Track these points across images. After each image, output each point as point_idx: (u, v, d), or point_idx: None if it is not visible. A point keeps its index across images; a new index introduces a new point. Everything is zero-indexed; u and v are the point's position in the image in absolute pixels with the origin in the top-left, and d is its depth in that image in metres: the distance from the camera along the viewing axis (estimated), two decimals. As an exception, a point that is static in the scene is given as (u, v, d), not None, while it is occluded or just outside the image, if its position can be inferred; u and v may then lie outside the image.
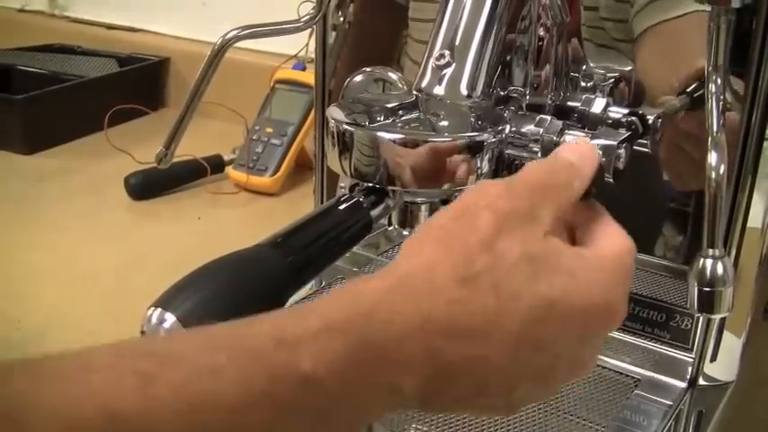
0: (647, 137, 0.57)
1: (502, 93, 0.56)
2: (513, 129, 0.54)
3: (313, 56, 0.81)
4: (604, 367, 0.66)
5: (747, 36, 0.56)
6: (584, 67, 0.62)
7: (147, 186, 1.11)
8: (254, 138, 1.16)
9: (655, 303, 0.65)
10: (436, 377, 0.36)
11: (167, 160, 0.65)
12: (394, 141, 0.48)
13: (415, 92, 0.53)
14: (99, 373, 0.32)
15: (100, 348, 0.34)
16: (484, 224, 0.37)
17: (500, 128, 0.50)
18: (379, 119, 0.51)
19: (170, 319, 0.38)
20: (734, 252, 0.60)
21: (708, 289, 0.50)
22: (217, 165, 1.18)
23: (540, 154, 0.54)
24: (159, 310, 0.39)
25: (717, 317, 0.60)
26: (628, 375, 0.66)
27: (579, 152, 0.43)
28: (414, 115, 0.52)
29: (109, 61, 1.51)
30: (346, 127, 0.49)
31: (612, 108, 0.58)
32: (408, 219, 0.54)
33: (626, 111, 0.57)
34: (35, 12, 1.74)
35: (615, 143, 0.51)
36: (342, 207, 0.48)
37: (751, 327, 0.63)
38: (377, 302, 0.35)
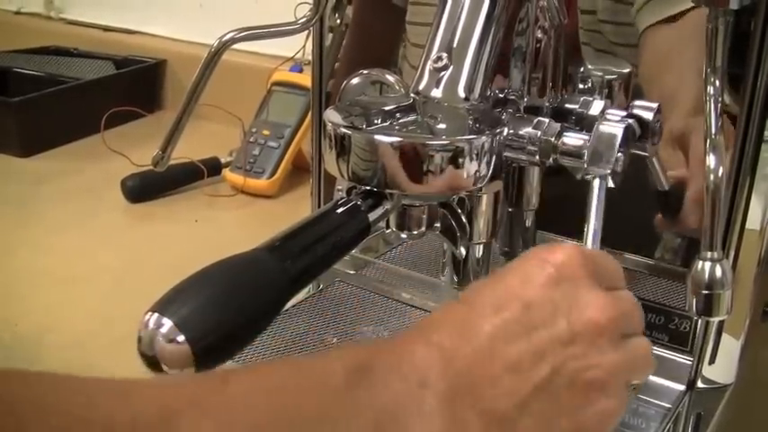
0: (645, 139, 0.57)
1: (499, 95, 0.56)
2: (511, 131, 0.53)
3: (310, 58, 0.81)
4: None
5: (745, 37, 0.56)
6: (581, 69, 0.62)
7: (143, 189, 1.11)
8: (251, 140, 1.16)
9: (653, 306, 0.65)
10: None
11: (164, 163, 0.65)
12: (391, 144, 0.48)
13: (412, 94, 0.53)
14: None
15: None
16: (559, 323, 0.40)
17: (498, 130, 0.50)
18: (376, 121, 0.51)
19: (167, 323, 0.38)
20: (732, 254, 0.60)
21: (706, 292, 0.50)
22: (214, 167, 1.18)
23: (537, 156, 0.54)
24: (156, 314, 0.38)
25: (715, 319, 0.60)
26: (626, 378, 0.65)
27: None
28: (411, 118, 0.52)
29: (105, 63, 1.51)
30: (343, 130, 0.49)
31: (610, 110, 0.58)
32: (406, 222, 0.54)
33: (624, 113, 0.56)
34: (31, 14, 1.74)
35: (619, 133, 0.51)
36: (339, 211, 0.48)
37: (749, 329, 0.63)
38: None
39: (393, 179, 0.48)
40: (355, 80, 0.62)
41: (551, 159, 0.54)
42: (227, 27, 0.64)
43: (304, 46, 1.13)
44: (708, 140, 0.50)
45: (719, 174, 0.49)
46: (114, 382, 0.34)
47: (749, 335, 0.63)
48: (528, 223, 0.65)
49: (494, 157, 0.50)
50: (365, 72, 0.63)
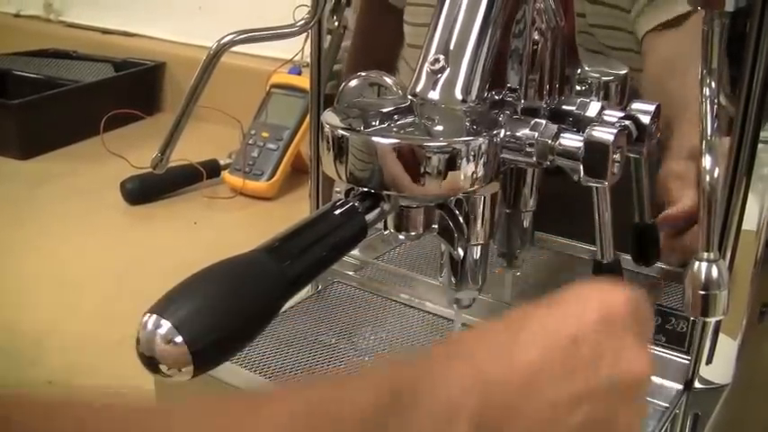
0: (641, 141, 0.57)
1: (497, 97, 0.56)
2: (508, 133, 0.54)
3: (309, 60, 0.81)
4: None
5: (741, 39, 0.56)
6: (578, 70, 0.62)
7: (143, 191, 1.11)
8: (250, 142, 1.16)
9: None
10: None
11: (163, 165, 0.65)
12: (389, 146, 0.48)
13: (410, 96, 0.53)
14: None
15: None
16: (593, 369, 0.39)
17: (495, 132, 0.50)
18: (374, 123, 0.51)
19: (165, 325, 0.38)
20: (729, 254, 0.60)
21: (703, 292, 0.50)
22: (213, 169, 1.18)
23: (534, 158, 0.54)
24: (155, 316, 0.38)
25: (712, 320, 0.61)
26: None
27: None
28: (409, 120, 0.52)
29: (104, 66, 1.51)
30: (341, 131, 0.49)
31: (607, 111, 0.58)
32: (404, 223, 0.54)
33: (621, 114, 0.57)
34: (30, 17, 1.74)
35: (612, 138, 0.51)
36: (337, 212, 0.48)
37: (747, 329, 0.63)
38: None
39: (390, 181, 0.48)
40: (353, 82, 0.62)
41: (548, 161, 0.54)
42: (226, 29, 0.64)
43: (303, 48, 1.14)
44: (704, 142, 0.50)
45: (716, 175, 0.50)
46: (137, 411, 0.35)
47: (746, 335, 0.63)
48: (525, 224, 0.65)
49: (491, 159, 0.50)
50: (363, 74, 0.63)
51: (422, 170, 0.48)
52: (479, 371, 0.38)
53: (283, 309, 0.69)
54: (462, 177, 0.49)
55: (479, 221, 0.57)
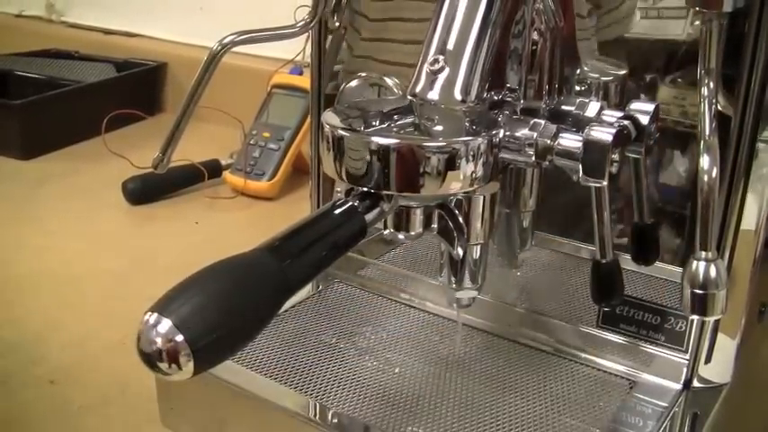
0: (640, 142, 0.57)
1: (496, 97, 0.56)
2: (508, 133, 0.54)
3: (310, 60, 0.81)
4: (599, 369, 0.67)
5: (739, 39, 0.56)
6: (578, 71, 0.63)
7: (144, 191, 1.11)
8: (252, 142, 1.16)
9: (649, 306, 0.66)
10: None
11: (164, 165, 0.66)
12: (388, 146, 0.48)
13: (409, 97, 0.54)
14: None
15: None
16: None
17: (494, 132, 0.51)
18: (374, 124, 0.51)
19: (166, 323, 0.38)
20: (728, 254, 0.60)
21: (701, 291, 0.50)
22: (214, 169, 1.18)
23: (534, 158, 0.54)
24: (156, 314, 0.39)
25: (710, 319, 0.61)
26: (622, 377, 0.66)
27: None
28: (408, 120, 0.52)
29: (106, 66, 1.51)
30: (341, 132, 0.50)
31: (606, 111, 0.58)
32: (403, 223, 0.54)
33: (620, 114, 0.57)
34: (32, 17, 1.75)
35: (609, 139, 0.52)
36: (337, 212, 0.49)
37: (745, 328, 0.63)
38: None
39: (390, 181, 0.48)
40: (353, 83, 0.63)
41: (547, 161, 0.54)
42: (227, 30, 0.64)
43: (304, 48, 1.14)
44: (702, 142, 0.51)
45: (713, 174, 0.50)
46: None
47: (745, 334, 0.64)
48: (525, 224, 0.65)
49: (490, 159, 0.51)
50: (363, 75, 0.63)
51: (421, 170, 0.48)
52: None
53: (284, 308, 0.70)
54: (462, 177, 0.49)
55: (479, 221, 0.57)
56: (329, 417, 0.61)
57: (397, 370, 0.66)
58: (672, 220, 0.65)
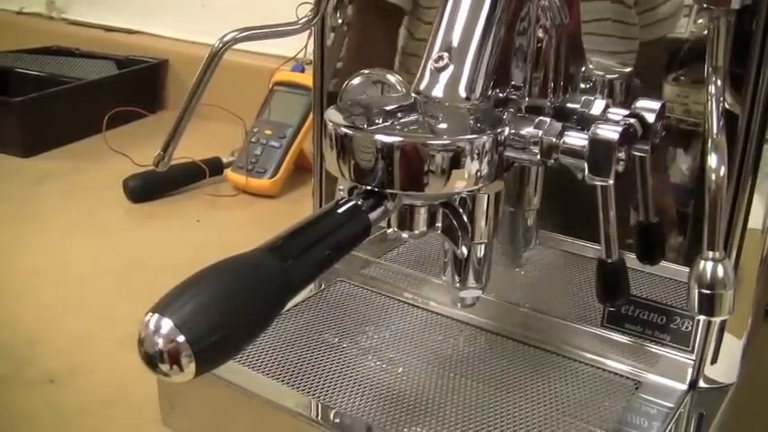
0: (646, 140, 0.57)
1: (501, 95, 0.56)
2: (513, 131, 0.53)
3: (312, 58, 0.80)
4: (604, 370, 0.66)
5: (746, 37, 0.56)
6: (583, 68, 0.62)
7: (145, 189, 1.11)
8: (253, 140, 1.16)
9: (655, 305, 0.65)
10: None
11: (165, 163, 0.65)
12: (392, 144, 0.47)
13: (413, 94, 0.53)
14: None
15: None
16: None
17: (499, 130, 0.50)
18: (377, 121, 0.51)
19: (167, 324, 0.38)
20: (734, 253, 0.60)
21: (708, 292, 0.50)
22: (215, 167, 1.18)
23: (539, 156, 0.54)
24: (157, 315, 0.38)
25: (717, 319, 0.60)
26: (628, 378, 0.65)
27: None
28: (412, 118, 0.52)
29: (107, 63, 1.51)
30: (344, 129, 0.49)
31: (612, 109, 0.57)
32: (407, 222, 0.54)
33: (626, 112, 0.56)
34: (33, 14, 1.74)
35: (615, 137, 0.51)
36: (340, 211, 0.48)
37: (752, 328, 0.63)
38: None
39: (394, 179, 0.48)
40: (356, 80, 0.62)
41: (553, 159, 0.54)
42: (229, 27, 0.64)
43: (306, 46, 1.14)
44: (709, 140, 0.50)
45: (721, 173, 0.49)
46: None
47: (751, 334, 0.63)
48: (530, 223, 0.65)
49: (495, 157, 0.50)
50: (366, 72, 0.63)
51: (426, 168, 0.48)
52: None
53: (286, 308, 0.70)
54: (466, 176, 0.49)
55: (483, 220, 0.57)
56: (331, 417, 0.61)
57: (399, 370, 0.66)
58: (677, 218, 0.65)
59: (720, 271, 0.50)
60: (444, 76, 0.52)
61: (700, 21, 0.59)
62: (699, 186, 0.62)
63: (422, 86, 0.53)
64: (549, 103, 0.59)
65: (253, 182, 1.12)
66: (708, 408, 0.63)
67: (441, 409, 0.61)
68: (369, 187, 0.49)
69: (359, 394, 0.63)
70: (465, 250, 0.57)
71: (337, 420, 0.60)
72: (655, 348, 0.65)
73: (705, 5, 0.51)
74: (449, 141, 0.48)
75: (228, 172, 1.16)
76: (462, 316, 0.73)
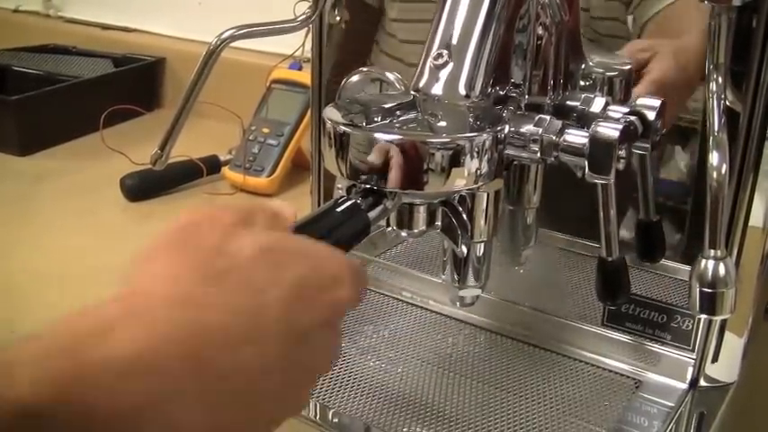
0: (646, 137, 0.57)
1: (500, 92, 0.55)
2: (512, 129, 0.53)
3: (309, 55, 0.80)
4: (605, 369, 0.66)
5: (748, 34, 0.55)
6: (583, 66, 0.62)
7: (142, 187, 1.10)
8: (251, 138, 1.15)
9: (655, 304, 0.65)
10: (208, 384, 0.34)
11: (163, 161, 0.65)
12: (391, 142, 0.47)
13: (412, 92, 0.53)
14: None
15: None
16: (209, 232, 0.38)
17: (499, 128, 0.50)
18: (376, 119, 0.50)
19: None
20: (735, 252, 0.60)
21: (709, 290, 0.50)
22: (213, 165, 1.17)
23: (539, 154, 0.53)
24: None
25: (718, 318, 0.60)
26: (629, 377, 0.65)
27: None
28: (411, 116, 0.51)
29: (104, 62, 1.50)
30: (343, 127, 0.49)
31: (612, 107, 0.57)
32: (406, 220, 0.54)
33: (626, 110, 0.56)
34: (30, 12, 1.74)
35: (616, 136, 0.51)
36: (339, 209, 0.48)
37: (752, 327, 0.63)
38: (117, 320, 0.34)
39: (393, 178, 0.48)
40: (355, 78, 0.62)
41: (553, 157, 0.53)
42: (226, 24, 0.63)
43: (303, 43, 1.13)
44: (711, 138, 0.50)
45: (723, 171, 0.49)
46: None
47: (752, 333, 0.63)
48: (529, 221, 0.65)
49: (495, 155, 0.50)
50: (365, 69, 0.63)
51: (425, 167, 0.47)
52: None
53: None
54: (466, 174, 0.48)
55: (483, 218, 0.56)
56: (330, 416, 0.61)
57: (399, 369, 0.66)
58: (675, 216, 0.65)
59: (722, 269, 0.50)
60: (444, 74, 0.51)
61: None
62: (697, 184, 0.62)
63: (421, 84, 0.52)
64: (548, 101, 0.59)
65: (250, 180, 1.12)
66: (708, 407, 0.63)
67: (440, 409, 0.61)
68: (368, 186, 0.49)
69: (358, 394, 0.62)
70: (464, 249, 0.57)
71: (336, 420, 0.60)
72: (655, 347, 0.65)
73: (706, 2, 0.51)
74: (448, 139, 0.48)
75: (226, 170, 1.16)
76: (462, 315, 0.72)
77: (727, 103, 0.55)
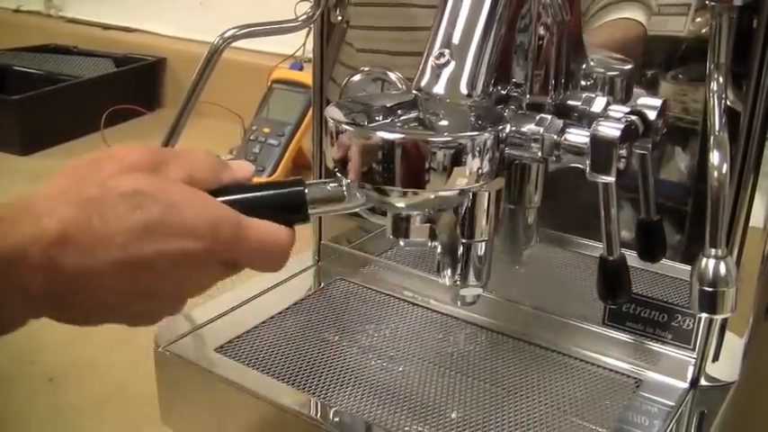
0: (647, 137, 0.57)
1: (502, 92, 0.56)
2: (514, 128, 0.53)
3: (310, 56, 0.80)
4: (605, 368, 0.66)
5: (749, 34, 0.55)
6: (584, 65, 0.62)
7: (143, 187, 1.11)
8: (252, 138, 1.15)
9: (656, 303, 0.65)
10: (58, 283, 0.42)
11: (164, 161, 0.65)
12: (393, 141, 0.47)
13: (414, 91, 0.53)
14: None
15: None
16: (106, 167, 0.44)
17: (500, 127, 0.50)
18: (377, 118, 0.50)
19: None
20: (736, 251, 0.60)
21: (710, 289, 0.50)
22: (214, 165, 1.17)
23: (540, 153, 0.53)
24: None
25: (719, 317, 0.60)
26: (629, 376, 0.65)
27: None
28: (413, 115, 0.51)
29: (105, 61, 1.51)
30: (345, 126, 0.49)
31: (613, 107, 0.57)
32: (402, 229, 0.54)
33: (627, 109, 0.56)
34: (31, 12, 1.74)
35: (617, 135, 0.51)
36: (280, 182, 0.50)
37: (753, 326, 0.63)
38: (7, 218, 0.44)
39: (395, 177, 0.48)
40: (356, 77, 0.62)
41: (554, 156, 0.53)
42: (228, 24, 0.63)
43: (304, 44, 1.13)
44: (711, 138, 0.50)
45: (723, 171, 0.49)
46: None
47: (753, 332, 0.63)
48: (530, 220, 0.65)
49: (496, 154, 0.50)
50: (366, 69, 0.63)
51: (427, 166, 0.47)
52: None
53: (285, 305, 0.69)
54: (468, 173, 0.48)
55: (484, 218, 0.56)
56: (331, 415, 0.60)
57: (400, 368, 0.66)
58: (675, 216, 0.65)
59: (723, 268, 0.50)
60: (445, 73, 0.51)
61: (698, 19, 0.59)
62: (698, 185, 0.62)
63: (423, 83, 0.52)
64: (549, 101, 0.59)
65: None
66: (709, 406, 0.63)
67: (441, 408, 0.61)
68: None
69: (359, 393, 0.62)
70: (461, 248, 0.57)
71: (337, 419, 0.60)
72: (656, 346, 0.65)
73: (707, 1, 0.51)
74: (450, 138, 0.48)
75: (227, 170, 1.16)
76: (463, 314, 0.72)
77: (728, 103, 0.55)
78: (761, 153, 0.57)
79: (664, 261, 0.64)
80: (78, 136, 1.32)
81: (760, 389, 0.71)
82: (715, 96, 0.51)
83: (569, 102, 0.59)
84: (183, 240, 0.44)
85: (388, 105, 0.52)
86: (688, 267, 0.51)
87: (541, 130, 0.53)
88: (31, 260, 0.41)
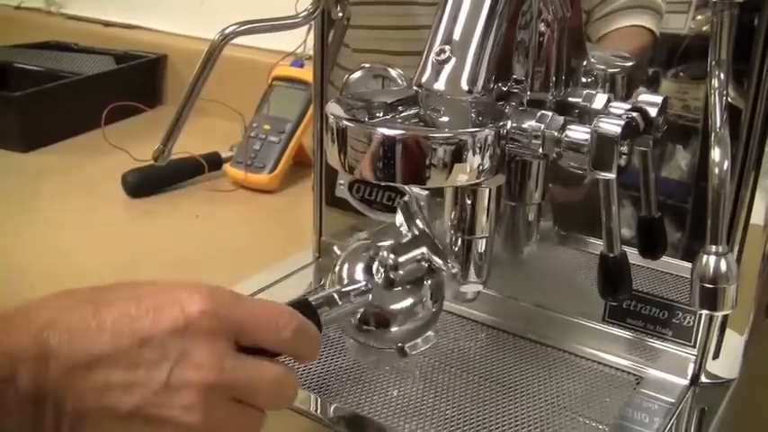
0: (648, 133, 0.57)
1: (503, 88, 0.55)
2: (514, 125, 0.53)
3: (311, 53, 0.80)
4: (606, 365, 0.66)
5: (750, 31, 0.55)
6: (584, 62, 0.62)
7: (144, 184, 1.11)
8: (252, 135, 1.15)
9: (656, 300, 0.65)
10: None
11: (164, 158, 0.65)
12: (393, 137, 0.47)
13: (415, 87, 0.53)
14: None
15: None
16: (160, 320, 0.42)
17: (501, 124, 0.50)
18: (378, 114, 0.50)
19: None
20: (736, 248, 0.60)
21: (711, 286, 0.50)
22: (214, 162, 1.17)
23: (541, 150, 0.53)
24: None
25: (720, 314, 0.60)
26: (629, 373, 0.65)
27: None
28: (413, 111, 0.51)
29: (106, 58, 1.50)
30: (345, 122, 0.49)
31: (614, 103, 0.57)
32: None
33: (628, 106, 0.56)
34: (32, 9, 1.74)
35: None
36: None
37: (753, 324, 0.63)
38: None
39: (395, 173, 0.48)
40: (357, 74, 0.62)
41: (555, 153, 0.53)
42: (228, 21, 0.63)
43: (305, 41, 1.13)
44: (713, 134, 0.50)
45: (724, 167, 0.49)
46: None
47: (753, 329, 0.63)
48: (531, 218, 0.65)
49: (497, 151, 0.50)
50: (367, 66, 0.63)
51: (427, 162, 0.47)
52: (43, 346, 0.43)
53: (286, 302, 0.69)
54: (468, 169, 0.48)
55: (484, 214, 0.56)
56: (330, 410, 0.61)
57: (399, 364, 0.65)
58: (675, 214, 0.65)
59: (723, 265, 0.49)
60: (446, 69, 0.51)
61: (699, 17, 0.59)
62: (698, 183, 0.62)
63: (423, 79, 0.52)
64: (550, 97, 0.59)
65: (252, 177, 1.12)
66: (709, 403, 0.63)
67: (441, 405, 0.61)
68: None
69: (359, 389, 0.62)
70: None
71: (336, 414, 0.60)
72: (656, 343, 0.65)
73: (709, -2, 0.51)
74: (451, 134, 0.48)
75: (227, 167, 1.16)
76: (463, 311, 0.72)
77: (729, 100, 0.55)
78: (762, 150, 0.57)
79: (664, 258, 0.64)
80: (79, 132, 1.32)
81: (760, 386, 0.71)
82: (716, 93, 0.51)
83: (570, 98, 0.59)
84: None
85: (388, 102, 0.52)
86: (689, 264, 0.51)
87: (542, 126, 0.53)
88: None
